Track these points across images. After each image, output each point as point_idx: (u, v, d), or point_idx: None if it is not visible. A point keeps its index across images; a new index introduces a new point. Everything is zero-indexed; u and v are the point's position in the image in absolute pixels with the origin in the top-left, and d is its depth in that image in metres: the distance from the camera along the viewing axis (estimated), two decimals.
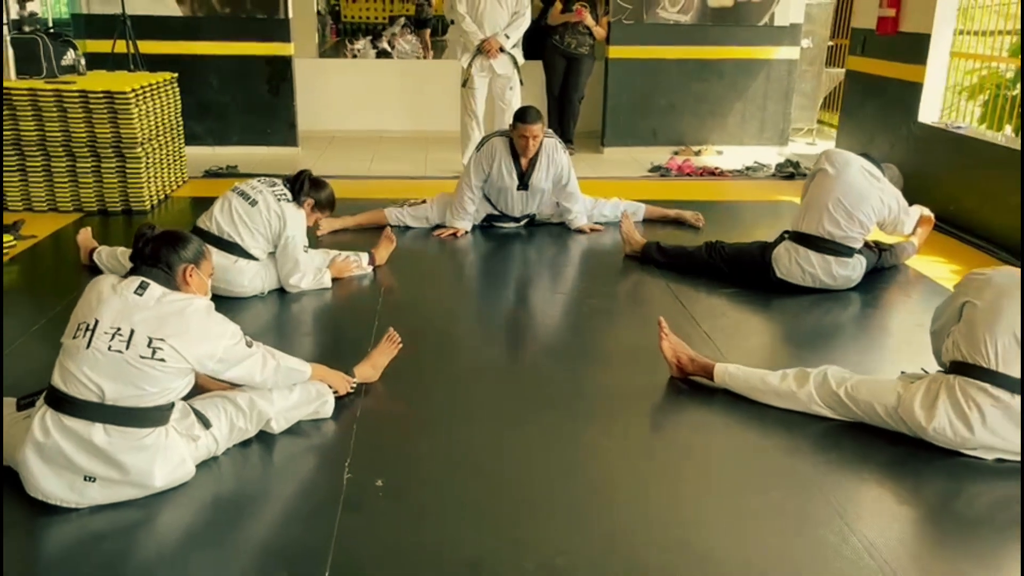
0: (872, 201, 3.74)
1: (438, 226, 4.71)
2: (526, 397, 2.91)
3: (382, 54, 9.99)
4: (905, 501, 2.36)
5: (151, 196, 5.09)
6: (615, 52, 7.03)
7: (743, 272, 3.96)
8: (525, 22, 6.11)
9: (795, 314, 3.72)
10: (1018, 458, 2.44)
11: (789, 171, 6.36)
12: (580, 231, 4.72)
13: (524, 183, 4.53)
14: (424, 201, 4.82)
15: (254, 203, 3.58)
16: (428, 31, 12.80)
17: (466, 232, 4.64)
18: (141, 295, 2.19)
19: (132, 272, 2.26)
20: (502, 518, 2.20)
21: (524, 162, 4.48)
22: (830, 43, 8.13)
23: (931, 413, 2.46)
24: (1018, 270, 2.59)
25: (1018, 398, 2.38)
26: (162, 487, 2.21)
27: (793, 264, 3.82)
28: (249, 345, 2.35)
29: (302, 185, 3.66)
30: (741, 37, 7.08)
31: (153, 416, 2.19)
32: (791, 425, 2.67)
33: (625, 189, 5.57)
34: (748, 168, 6.56)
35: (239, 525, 2.16)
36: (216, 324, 2.28)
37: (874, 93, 5.88)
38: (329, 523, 2.13)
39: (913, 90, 5.36)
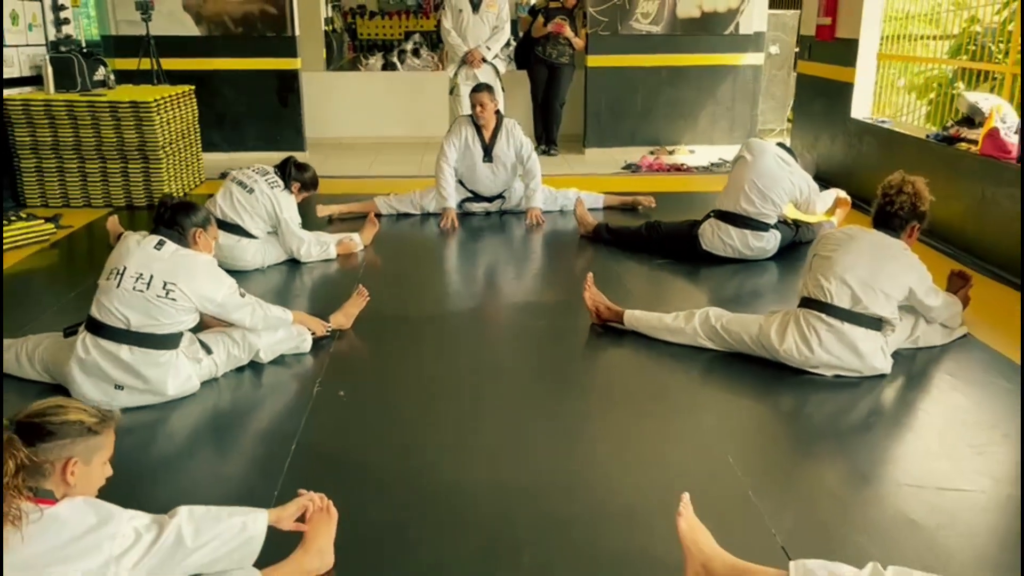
0: (783, 184, 4.34)
1: (429, 215, 5.37)
2: (472, 338, 3.57)
3: (389, 67, 10.67)
4: (763, 413, 2.96)
5: (172, 193, 5.80)
6: (593, 61, 7.68)
7: (676, 246, 4.58)
8: (504, 35, 6.80)
9: (717, 279, 4.32)
10: (851, 374, 3.04)
11: None
12: (533, 221, 5.26)
13: (489, 154, 5.18)
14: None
15: (251, 191, 4.26)
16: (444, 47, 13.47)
17: (458, 212, 5.25)
18: (159, 249, 2.86)
19: (154, 231, 2.94)
20: (431, 416, 2.85)
21: (486, 134, 5.15)
22: (797, 49, 8.71)
23: (782, 338, 3.07)
24: (857, 227, 3.20)
25: (847, 325, 2.99)
26: (173, 396, 2.88)
27: (715, 238, 4.43)
28: (243, 295, 3.02)
29: (289, 171, 4.34)
30: (709, 45, 7.71)
31: (167, 341, 2.86)
32: (681, 357, 3.29)
33: (601, 184, 6.18)
34: (713, 164, 7.17)
35: (231, 423, 2.84)
36: (217, 276, 2.95)
37: (819, 93, 6.48)
38: (299, 418, 2.79)
39: (847, 89, 5.96)
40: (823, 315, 3.02)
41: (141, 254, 2.85)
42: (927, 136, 5.07)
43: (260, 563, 1.89)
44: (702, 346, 3.30)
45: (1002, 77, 5.05)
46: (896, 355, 3.19)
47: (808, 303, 3.08)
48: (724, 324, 3.26)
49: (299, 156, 7.36)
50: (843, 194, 4.96)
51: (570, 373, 3.30)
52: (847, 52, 5.96)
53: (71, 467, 1.61)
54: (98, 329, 2.83)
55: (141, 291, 2.79)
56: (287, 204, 4.30)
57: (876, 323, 3.02)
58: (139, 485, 2.36)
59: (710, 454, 2.59)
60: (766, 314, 3.25)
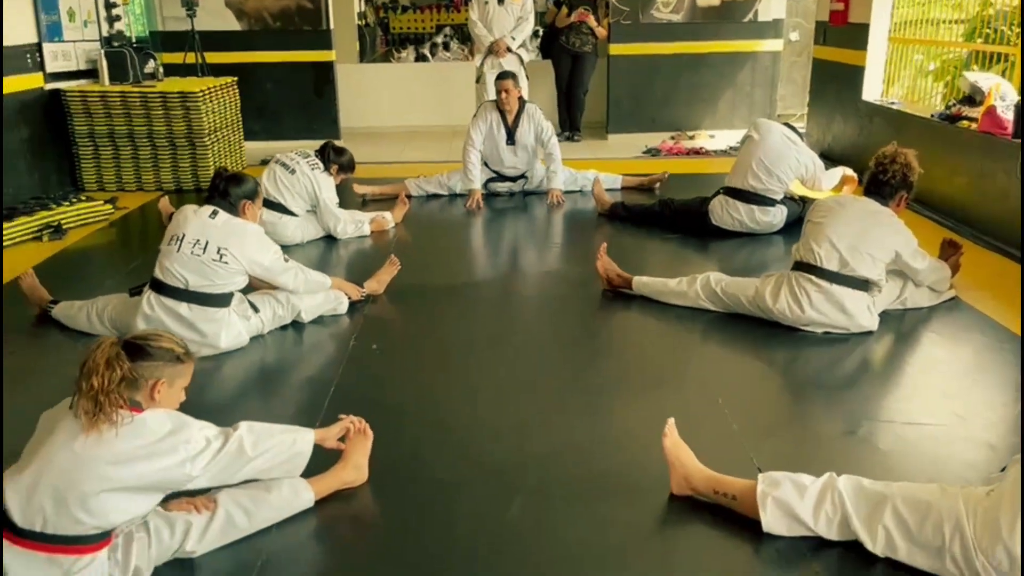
0: (789, 161, 4.59)
1: (456, 195, 5.69)
2: (494, 303, 3.90)
3: (420, 59, 11.03)
4: (756, 365, 3.24)
5: (226, 166, 6.19)
6: (615, 49, 7.95)
7: (687, 222, 4.85)
8: (529, 25, 7.10)
9: (725, 251, 4.58)
10: (840, 331, 3.31)
11: None
12: (554, 201, 5.55)
13: (511, 137, 5.49)
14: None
15: (292, 172, 4.62)
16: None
17: (483, 193, 5.57)
18: (213, 218, 3.22)
19: (208, 201, 3.29)
20: (453, 366, 3.19)
21: (510, 118, 5.45)
22: None
23: (775, 298, 3.35)
24: (849, 196, 3.46)
25: (835, 286, 3.26)
26: (226, 348, 3.24)
27: (724, 213, 4.70)
28: (286, 260, 3.38)
29: (328, 154, 4.70)
30: (728, 32, 7.93)
31: (220, 300, 3.23)
32: (684, 317, 3.58)
33: (623, 167, 6.45)
34: (731, 148, 7.39)
35: (277, 371, 3.20)
36: (265, 242, 3.32)
37: (833, 78, 6.69)
38: (337, 367, 3.13)
39: (859, 73, 6.16)
40: (813, 277, 3.29)
41: (198, 222, 3.21)
42: (932, 115, 5.28)
43: (306, 474, 2.24)
44: (703, 308, 3.59)
45: (1014, 59, 5.22)
46: (885, 315, 3.45)
47: (799, 266, 3.35)
48: (724, 287, 3.54)
49: None
50: (850, 172, 5.18)
51: (582, 330, 3.61)
52: (859, 36, 6.16)
53: (159, 386, 1.94)
54: (161, 288, 3.20)
55: (198, 255, 3.15)
56: (326, 185, 4.66)
57: (863, 284, 3.28)
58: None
59: (702, 398, 2.89)
60: (762, 277, 3.52)
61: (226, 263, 3.17)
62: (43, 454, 1.83)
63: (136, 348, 1.91)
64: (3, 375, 3.05)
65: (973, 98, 4.93)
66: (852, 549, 2.02)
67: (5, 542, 1.82)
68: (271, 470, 2.14)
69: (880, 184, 3.42)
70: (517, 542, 2.14)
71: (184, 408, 2.31)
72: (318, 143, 4.95)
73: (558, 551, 2.10)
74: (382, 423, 2.50)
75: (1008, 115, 4.47)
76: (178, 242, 3.17)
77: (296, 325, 3.54)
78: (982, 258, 4.28)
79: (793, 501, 2.08)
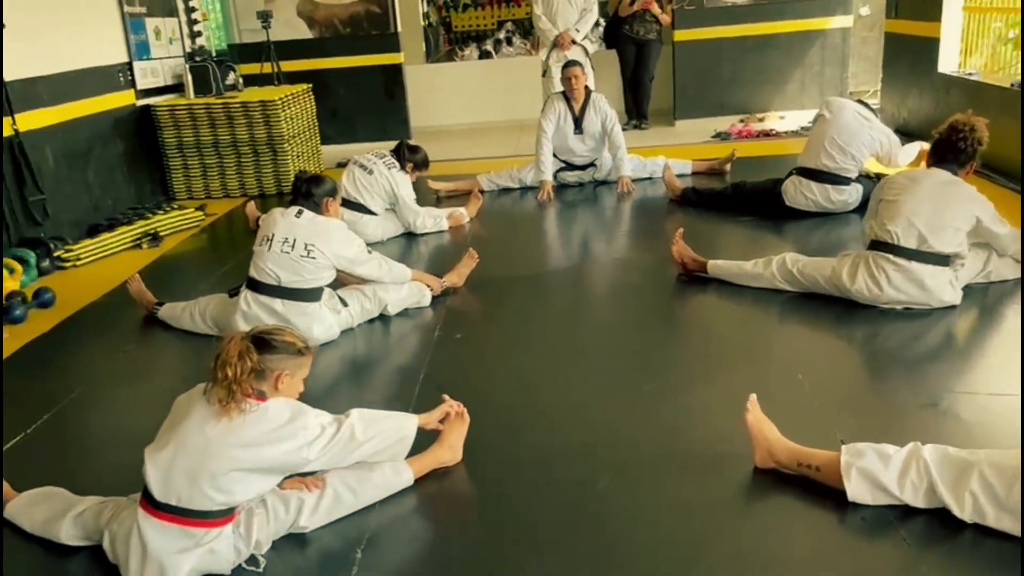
0: (863, 138, 4.55)
1: (527, 188, 5.81)
2: (570, 291, 4.00)
3: (485, 56, 11.16)
4: (835, 342, 3.26)
5: (304, 169, 6.44)
6: (680, 36, 7.93)
7: (760, 204, 4.85)
8: (593, 16, 7.15)
9: (800, 232, 4.57)
10: (920, 306, 3.29)
11: None
12: (625, 189, 5.61)
13: (579, 126, 5.58)
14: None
15: (371, 172, 4.80)
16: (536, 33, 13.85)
17: (553, 185, 5.68)
18: (299, 217, 3.41)
19: (293, 203, 3.48)
20: (533, 352, 3.30)
21: (576, 107, 5.54)
22: None
23: (853, 279, 3.35)
24: (920, 170, 3.42)
25: (914, 263, 3.25)
26: (319, 341, 3.42)
27: (798, 193, 4.68)
28: (369, 252, 3.55)
29: (403, 153, 4.87)
30: (795, 11, 7.81)
31: (310, 294, 3.41)
32: (761, 298, 3.61)
33: (692, 152, 6.46)
34: (802, 128, 7.31)
35: (368, 361, 3.38)
36: (348, 236, 3.49)
37: (905, 50, 6.55)
38: (423, 357, 3.28)
39: (933, 44, 6.02)
40: (890, 255, 3.28)
41: (285, 223, 3.40)
42: (1011, 85, 5.14)
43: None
44: (780, 288, 3.61)
45: None
46: (969, 289, 3.42)
47: (876, 245, 3.34)
48: (800, 268, 3.55)
49: None
50: (927, 146, 5.08)
51: (658, 314, 3.68)
52: (932, 7, 6.02)
53: (283, 377, 2.10)
54: (256, 287, 3.40)
55: (287, 252, 3.34)
56: (403, 183, 4.83)
57: (943, 259, 3.26)
58: None
59: (782, 375, 2.93)
60: (839, 256, 3.52)
61: (314, 258, 3.35)
62: (179, 435, 2.01)
63: (263, 342, 2.07)
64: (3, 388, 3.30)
65: None
66: (938, 516, 2.05)
67: (143, 513, 2.01)
68: (378, 454, 2.30)
69: (957, 152, 3.39)
70: (608, 514, 2.24)
71: None
72: (391, 144, 5.13)
73: (648, 522, 2.19)
74: (470, 406, 2.61)
75: None
76: (268, 242, 3.37)
77: (383, 318, 3.71)
78: None
79: (878, 470, 2.12)
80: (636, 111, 8.16)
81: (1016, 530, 1.97)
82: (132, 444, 2.33)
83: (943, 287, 3.28)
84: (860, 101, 4.76)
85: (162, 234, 5.30)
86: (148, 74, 6.33)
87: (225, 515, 2.06)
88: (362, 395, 3.13)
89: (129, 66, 6.11)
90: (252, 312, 3.38)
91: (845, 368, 3.05)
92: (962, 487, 2.03)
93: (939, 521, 2.04)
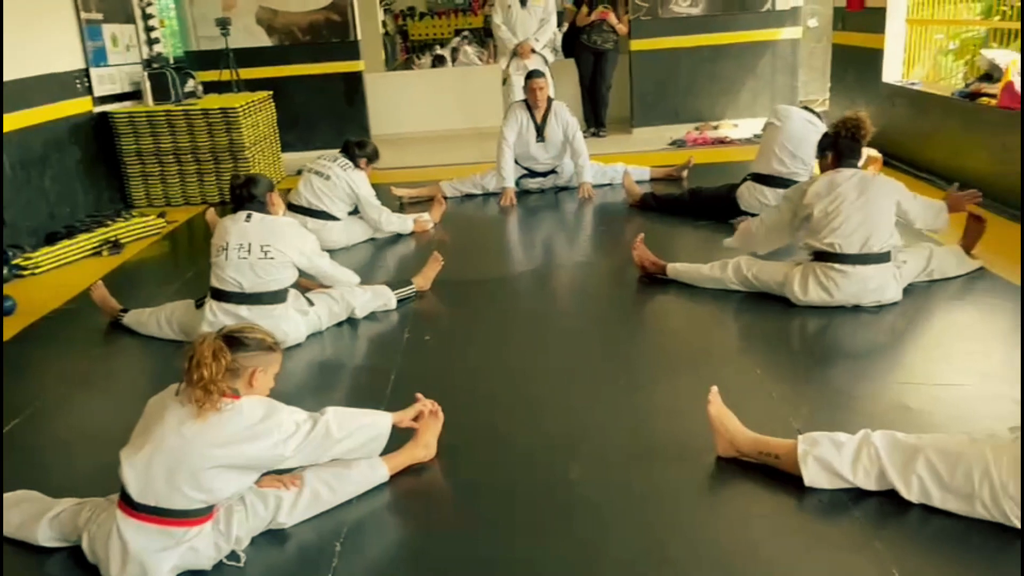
0: (811, 142, 4.71)
1: (490, 194, 5.90)
2: (533, 293, 4.10)
3: (437, 60, 11.18)
4: (788, 336, 3.40)
5: (237, 174, 6.41)
6: (636, 45, 8.10)
7: (717, 209, 5.00)
8: (552, 26, 7.29)
9: None
10: (869, 303, 3.45)
11: None
12: (586, 195, 5.74)
13: (541, 134, 5.69)
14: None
15: (328, 177, 4.84)
16: (493, 41, 13.96)
17: (515, 190, 5.78)
18: (249, 221, 3.44)
19: (238, 209, 3.50)
20: (500, 351, 3.38)
21: (538, 115, 5.66)
22: None
23: (805, 290, 3.49)
24: (829, 176, 3.55)
25: (858, 267, 3.40)
26: (287, 343, 3.44)
27: (752, 198, 4.84)
28: (323, 249, 3.62)
29: (353, 151, 4.92)
30: (747, 22, 8.05)
31: (275, 297, 3.45)
32: (718, 298, 3.74)
33: (649, 159, 6.60)
34: (755, 135, 7.51)
35: (340, 363, 3.43)
36: (301, 231, 3.58)
37: (852, 61, 6.80)
38: (394, 358, 3.34)
39: (878, 55, 6.27)
40: (836, 264, 3.43)
41: (237, 229, 3.42)
42: (952, 94, 5.39)
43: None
44: (735, 289, 3.75)
45: None
46: (913, 287, 3.59)
47: (821, 256, 3.48)
48: (755, 273, 3.69)
49: None
50: (874, 152, 5.31)
51: (621, 315, 3.79)
52: (877, 20, 6.27)
53: (256, 374, 2.15)
54: (220, 296, 3.43)
55: (245, 258, 3.37)
56: (361, 181, 4.88)
57: (885, 256, 3.43)
58: None
59: (741, 370, 3.06)
60: (790, 263, 3.66)
61: (272, 259, 3.39)
62: (155, 437, 2.04)
63: (234, 340, 2.12)
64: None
65: (991, 75, 5.03)
66: (888, 497, 2.18)
67: (121, 514, 2.04)
68: (354, 451, 2.35)
69: (858, 146, 3.60)
70: (578, 504, 2.32)
71: None
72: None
73: (618, 510, 2.28)
74: (442, 405, 2.67)
75: None
76: (224, 252, 3.40)
77: (351, 322, 3.75)
78: (1006, 230, 4.40)
79: (832, 458, 2.25)
80: (594, 119, 8.30)
81: (960, 510, 2.10)
82: (102, 448, 2.37)
83: (888, 284, 3.44)
84: (807, 108, 4.95)
85: (123, 241, 5.26)
86: (105, 81, 6.28)
87: (204, 513, 2.10)
88: (333, 397, 3.17)
89: (86, 73, 6.06)
90: (218, 321, 3.39)
91: (800, 362, 3.19)
92: (909, 471, 2.16)
93: (889, 501, 2.17)
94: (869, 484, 2.22)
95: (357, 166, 4.93)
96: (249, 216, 3.46)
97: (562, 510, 2.30)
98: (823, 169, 3.68)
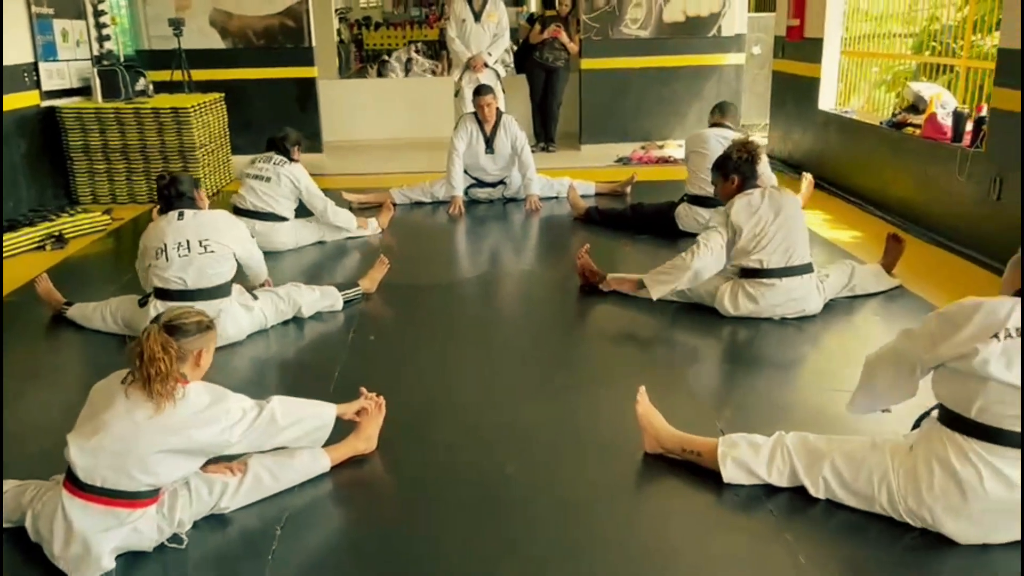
0: None
1: (439, 203, 6.01)
2: (477, 298, 4.22)
3: (382, 65, 11.22)
4: (717, 344, 3.58)
5: (207, 190, 6.45)
6: (587, 64, 8.32)
7: (656, 224, 5.19)
8: (504, 41, 7.45)
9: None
10: (793, 314, 3.65)
11: None
12: (532, 207, 5.91)
13: (490, 146, 5.84)
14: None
15: (269, 179, 4.88)
16: (447, 54, 14.09)
17: (464, 200, 5.90)
18: (182, 219, 3.49)
19: (168, 209, 3.54)
20: (442, 352, 3.49)
21: (487, 128, 5.80)
22: None
23: (736, 305, 3.68)
24: (748, 197, 3.74)
25: (784, 279, 3.60)
26: (234, 336, 3.51)
27: (690, 218, 5.04)
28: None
29: (282, 145, 4.96)
30: (694, 47, 8.33)
31: (219, 291, 3.50)
32: (654, 308, 3.90)
33: (596, 175, 6.78)
34: None
35: (285, 360, 3.50)
36: (234, 220, 3.66)
37: (791, 89, 7.10)
38: (337, 357, 3.42)
39: (815, 84, 6.58)
40: (763, 279, 3.63)
41: (172, 229, 3.47)
42: (880, 123, 5.68)
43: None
44: (671, 300, 3.92)
45: (959, 70, 5.62)
46: (835, 302, 3.81)
47: (748, 273, 3.67)
48: (692, 288, 3.85)
49: (316, 158, 8.10)
50: (810, 177, 5.57)
51: (561, 320, 3.94)
52: (814, 50, 6.58)
53: (201, 355, 2.23)
54: (165, 295, 3.46)
55: (186, 256, 3.42)
56: (301, 173, 4.95)
57: (807, 267, 3.64)
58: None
59: (672, 374, 3.23)
60: (720, 277, 3.83)
61: (212, 252, 3.46)
62: (106, 423, 2.09)
63: (176, 329, 2.18)
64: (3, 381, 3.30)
65: (917, 106, 5.33)
66: (799, 492, 2.35)
67: (66, 494, 2.09)
68: (299, 439, 2.43)
69: (754, 167, 3.78)
70: (513, 497, 2.44)
71: None
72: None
73: (549, 502, 2.41)
74: (384, 399, 2.78)
75: (947, 121, 4.87)
76: (163, 253, 3.43)
77: (297, 321, 3.82)
78: (925, 252, 4.67)
79: (749, 460, 2.41)
80: (544, 134, 8.48)
81: (861, 507, 2.27)
82: (45, 436, 2.40)
83: (811, 294, 3.65)
84: (716, 124, 5.18)
85: (67, 236, 5.23)
86: (54, 75, 6.23)
87: (150, 496, 2.16)
88: (277, 392, 3.20)
89: (35, 67, 6.01)
90: None
91: (727, 368, 3.37)
92: (816, 473, 2.33)
93: (799, 496, 2.34)
94: (782, 482, 2.38)
95: (292, 159, 4.98)
96: (181, 214, 3.50)
97: (494, 503, 2.41)
98: (726, 192, 3.81)
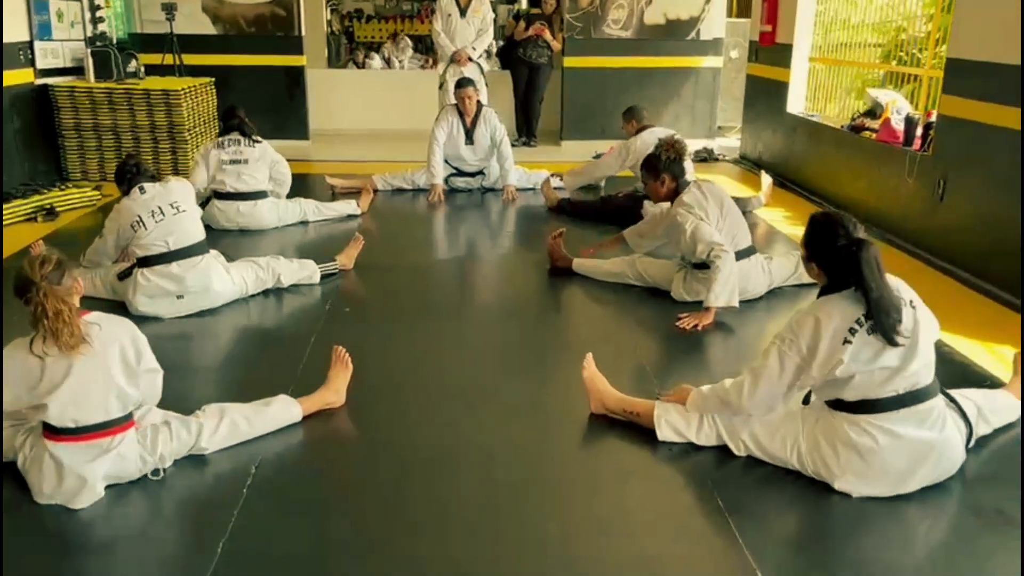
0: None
1: (420, 190, 6.24)
2: (452, 278, 4.47)
3: (368, 59, 11.42)
4: (671, 327, 3.83)
5: (123, 161, 6.59)
6: (569, 62, 8.57)
7: (624, 216, 5.41)
8: (488, 36, 7.68)
9: None
10: (743, 297, 3.90)
11: (703, 156, 7.87)
12: (509, 197, 6.16)
13: (470, 137, 6.08)
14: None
15: (246, 160, 5.07)
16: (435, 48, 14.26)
17: (444, 189, 6.13)
18: (145, 193, 3.71)
19: (131, 190, 3.76)
20: (415, 324, 3.73)
21: (468, 119, 6.04)
22: None
23: (688, 290, 3.92)
24: (694, 191, 3.98)
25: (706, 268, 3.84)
26: (218, 290, 3.74)
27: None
28: None
29: (244, 127, 5.14)
30: (673, 49, 8.60)
31: (199, 247, 3.74)
32: (616, 290, 4.16)
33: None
34: None
35: (264, 328, 3.72)
36: (186, 183, 3.92)
37: (763, 92, 7.38)
38: (313, 326, 3.65)
39: (784, 88, 6.86)
40: (698, 271, 3.87)
41: (143, 200, 3.71)
42: (841, 127, 5.97)
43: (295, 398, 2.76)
44: (629, 283, 4.18)
45: (922, 78, 5.90)
46: (781, 290, 4.08)
47: (699, 265, 3.91)
48: (648, 270, 4.13)
49: (303, 145, 8.32)
50: (768, 178, 5.85)
51: (529, 300, 4.19)
52: (784, 56, 6.86)
53: (77, 282, 2.37)
54: (147, 262, 3.68)
55: (161, 219, 3.67)
56: (263, 145, 5.17)
57: (751, 250, 3.92)
58: (201, 368, 3.23)
59: (625, 347, 3.49)
60: (676, 267, 4.08)
61: (184, 211, 3.72)
62: (54, 383, 2.26)
63: (58, 270, 2.28)
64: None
65: (874, 112, 5.62)
66: (724, 449, 2.61)
67: (49, 443, 2.30)
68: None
69: (684, 165, 4.00)
70: (471, 450, 2.69)
71: (183, 362, 2.90)
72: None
73: (508, 455, 2.66)
74: (357, 363, 3.01)
75: (900, 126, 5.15)
76: (140, 224, 3.66)
77: (276, 292, 4.05)
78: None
79: (680, 424, 2.67)
80: (526, 129, 8.72)
81: (777, 463, 2.53)
82: None
83: (756, 274, 3.92)
84: (647, 126, 5.47)
85: (58, 209, 5.42)
86: (48, 55, 6.41)
87: (125, 421, 2.37)
88: (257, 354, 3.48)
89: (30, 45, 6.19)
90: (152, 283, 3.66)
91: (674, 344, 3.62)
92: (737, 437, 2.60)
93: (724, 453, 2.60)
94: (709, 443, 2.64)
95: (252, 137, 5.13)
96: (142, 188, 3.73)
97: (453, 454, 2.66)
98: (656, 191, 4.01)
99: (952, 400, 2.54)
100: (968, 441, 2.53)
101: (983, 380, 3.15)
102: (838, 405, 2.41)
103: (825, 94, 6.98)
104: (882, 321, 2.29)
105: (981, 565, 2.18)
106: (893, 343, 2.29)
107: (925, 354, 2.36)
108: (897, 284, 2.40)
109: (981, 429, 2.64)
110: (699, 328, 3.64)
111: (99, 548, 2.24)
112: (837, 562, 2.18)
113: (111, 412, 2.33)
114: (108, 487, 2.38)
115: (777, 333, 2.47)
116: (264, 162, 5.12)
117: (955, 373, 3.15)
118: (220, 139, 5.17)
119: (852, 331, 2.31)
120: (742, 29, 9.46)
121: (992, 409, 2.70)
